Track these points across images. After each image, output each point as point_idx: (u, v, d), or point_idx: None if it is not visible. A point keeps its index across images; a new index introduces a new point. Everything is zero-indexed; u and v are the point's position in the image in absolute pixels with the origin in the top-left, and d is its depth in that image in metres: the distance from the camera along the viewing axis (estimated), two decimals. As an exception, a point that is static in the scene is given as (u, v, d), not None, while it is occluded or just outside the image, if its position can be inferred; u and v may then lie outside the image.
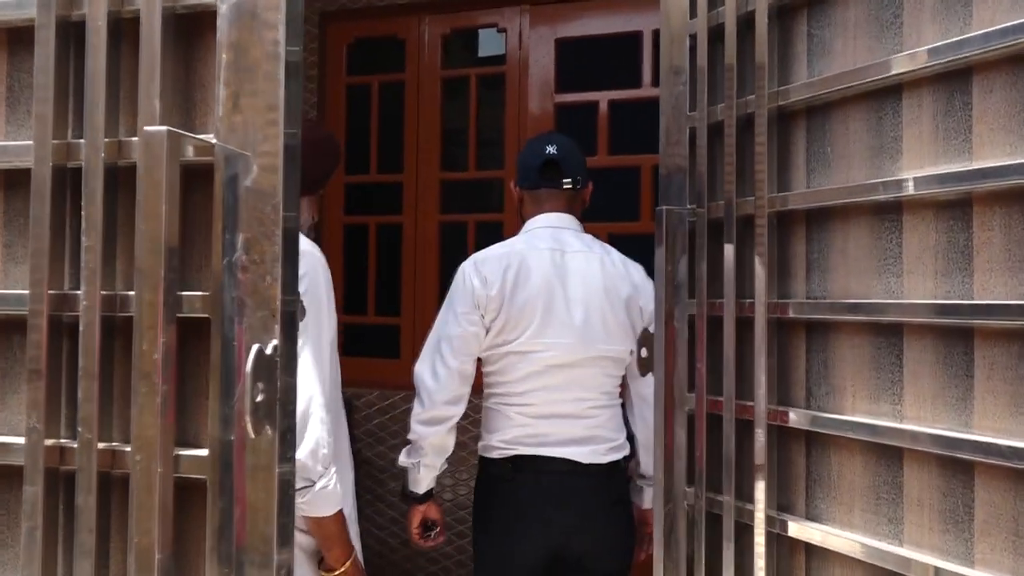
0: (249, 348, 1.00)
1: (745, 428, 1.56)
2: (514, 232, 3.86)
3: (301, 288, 1.47)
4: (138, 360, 0.95)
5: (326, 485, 1.46)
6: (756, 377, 1.52)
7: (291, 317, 0.99)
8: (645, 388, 2.16)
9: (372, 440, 3.82)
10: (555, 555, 1.92)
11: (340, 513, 1.53)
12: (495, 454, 1.95)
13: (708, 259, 1.63)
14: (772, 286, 1.54)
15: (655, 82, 3.65)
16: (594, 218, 3.70)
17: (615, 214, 3.66)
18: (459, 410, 1.94)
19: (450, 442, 1.97)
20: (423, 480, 1.97)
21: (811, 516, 1.48)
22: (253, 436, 0.93)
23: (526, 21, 3.82)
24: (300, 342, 1.43)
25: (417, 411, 1.93)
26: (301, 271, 1.48)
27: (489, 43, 4.36)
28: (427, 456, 1.94)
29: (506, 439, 1.92)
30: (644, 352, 1.72)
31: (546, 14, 3.79)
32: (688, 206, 1.68)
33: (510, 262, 1.94)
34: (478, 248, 4.02)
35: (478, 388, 2.07)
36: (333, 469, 1.48)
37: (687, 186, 1.70)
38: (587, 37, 3.78)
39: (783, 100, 1.54)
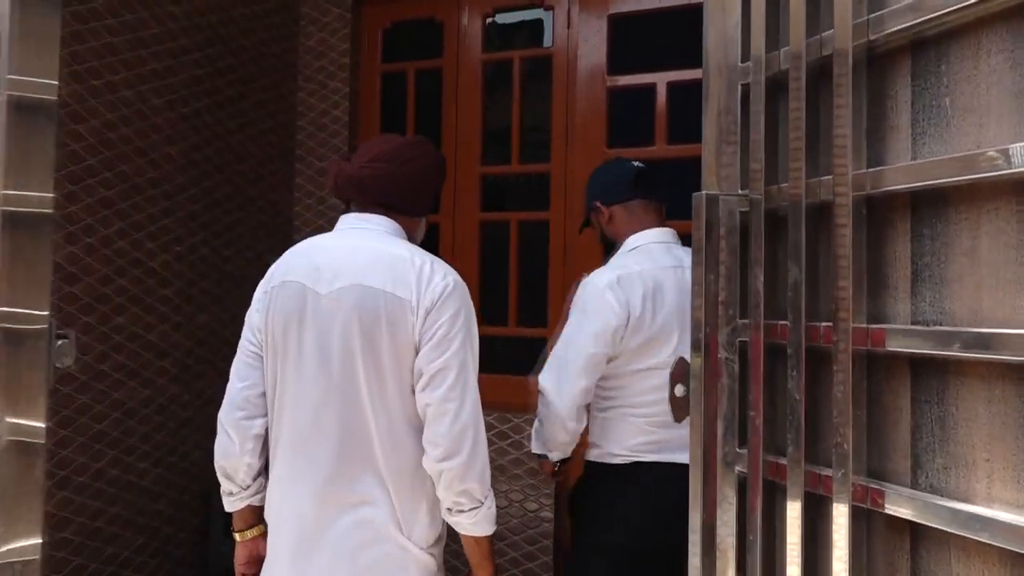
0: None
1: (819, 506, 1.07)
2: (561, 231, 3.45)
3: (458, 322, 1.49)
4: None
5: (491, 506, 1.49)
6: (835, 435, 1.02)
7: None
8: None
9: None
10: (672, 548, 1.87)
11: (493, 535, 1.54)
12: (616, 460, 1.91)
13: (767, 264, 1.14)
14: (860, 304, 1.04)
15: (720, 59, 3.13)
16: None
17: (675, 211, 3.14)
18: (581, 426, 1.91)
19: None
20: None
21: (919, 650, 0.97)
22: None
23: (575, -3, 3.35)
24: (454, 371, 1.45)
25: (539, 421, 1.94)
26: (454, 307, 1.49)
27: (534, 23, 3.90)
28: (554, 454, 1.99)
29: (628, 446, 1.88)
30: (680, 390, 1.24)
31: (597, -11, 3.31)
32: (739, 192, 1.19)
33: (649, 283, 1.87)
34: (522, 250, 3.66)
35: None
36: (492, 492, 1.51)
37: (738, 164, 1.21)
38: (643, 12, 3.27)
39: (875, 33, 1.03)
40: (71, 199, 2.61)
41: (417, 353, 1.46)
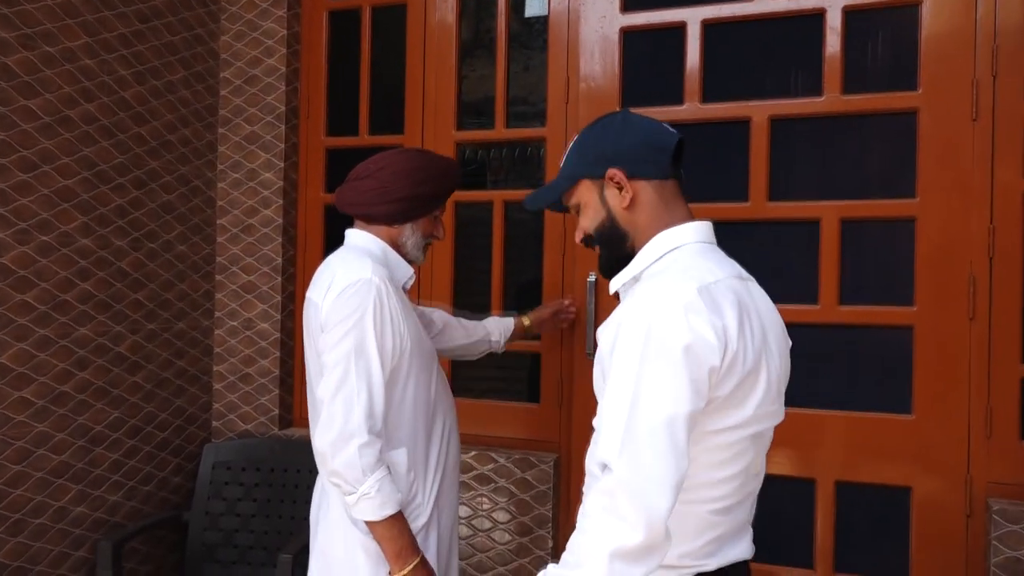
0: None
1: None
2: (560, 215, 2.65)
3: (347, 319, 1.60)
4: None
5: (367, 492, 1.58)
6: None
7: None
8: None
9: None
10: None
11: (387, 520, 1.62)
12: (670, 575, 1.32)
13: None
14: None
15: (777, -14, 2.30)
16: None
17: (711, 191, 2.34)
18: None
19: None
20: None
21: None
22: None
23: (579, -90, 2.51)
24: (333, 366, 1.60)
25: (619, 537, 1.13)
26: (345, 305, 1.61)
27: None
28: None
29: (686, 551, 1.30)
30: None
31: (608, -101, 2.47)
32: None
33: (740, 299, 1.28)
34: (508, 237, 2.82)
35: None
36: (373, 478, 1.59)
37: None
38: (669, -71, 2.45)
39: None
40: None
41: None
